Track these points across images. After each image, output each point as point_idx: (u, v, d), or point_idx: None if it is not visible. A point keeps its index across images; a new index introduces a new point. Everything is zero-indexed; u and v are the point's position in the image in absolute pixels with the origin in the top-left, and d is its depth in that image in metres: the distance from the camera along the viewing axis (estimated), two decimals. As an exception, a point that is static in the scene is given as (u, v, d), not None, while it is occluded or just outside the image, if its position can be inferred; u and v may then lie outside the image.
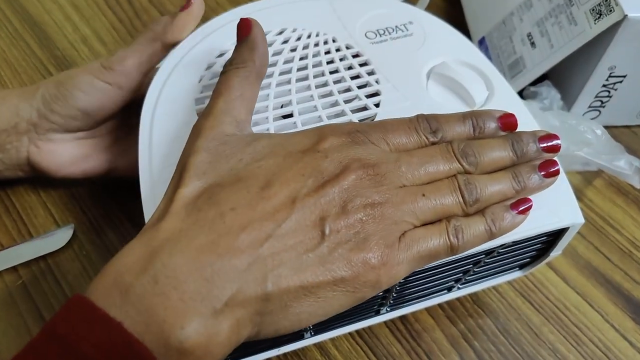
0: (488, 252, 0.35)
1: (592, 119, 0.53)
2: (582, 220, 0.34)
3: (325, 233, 0.28)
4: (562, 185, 0.35)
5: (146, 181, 0.34)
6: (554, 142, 0.33)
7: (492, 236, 0.31)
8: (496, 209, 0.31)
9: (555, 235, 0.36)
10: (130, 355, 0.24)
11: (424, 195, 0.30)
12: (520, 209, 0.32)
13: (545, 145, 0.33)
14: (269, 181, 0.28)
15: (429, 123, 0.33)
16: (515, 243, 0.35)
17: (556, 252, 0.38)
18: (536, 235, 0.34)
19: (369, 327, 0.41)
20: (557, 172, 0.33)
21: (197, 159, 0.30)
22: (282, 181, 0.28)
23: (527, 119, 0.37)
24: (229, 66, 0.34)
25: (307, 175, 0.29)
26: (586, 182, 0.51)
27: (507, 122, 0.34)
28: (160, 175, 0.34)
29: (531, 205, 0.32)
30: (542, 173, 0.33)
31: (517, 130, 0.34)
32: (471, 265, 0.36)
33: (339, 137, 0.31)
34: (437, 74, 0.39)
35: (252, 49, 0.34)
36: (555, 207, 0.34)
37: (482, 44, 0.58)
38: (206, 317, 0.25)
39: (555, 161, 0.33)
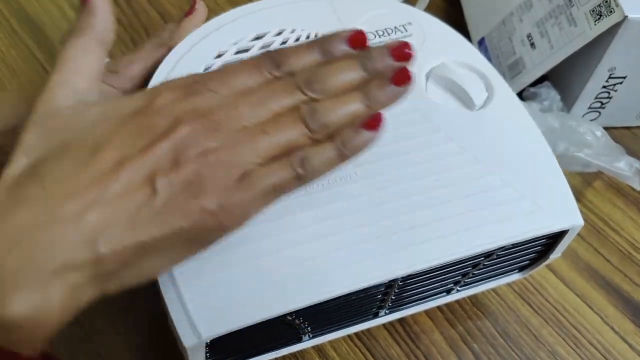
0: (487, 255, 0.34)
1: (592, 120, 0.53)
2: (581, 223, 0.34)
3: (157, 189, 0.27)
4: (561, 188, 0.35)
5: None
6: (405, 50, 0.32)
7: (344, 158, 0.30)
8: (345, 131, 0.30)
9: (554, 238, 0.36)
10: None
11: (264, 132, 0.29)
12: (370, 125, 0.30)
13: (396, 54, 0.32)
14: (97, 147, 0.28)
15: (272, 58, 0.31)
16: (514, 245, 0.34)
17: (555, 255, 0.38)
18: (535, 238, 0.34)
19: (368, 329, 0.41)
20: (408, 79, 0.31)
21: (26, 136, 0.29)
22: (110, 145, 0.28)
23: (527, 122, 0.37)
24: (66, 36, 0.33)
25: (137, 136, 0.28)
26: (586, 183, 0.51)
27: (356, 39, 0.32)
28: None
29: (382, 119, 0.30)
30: (394, 83, 0.31)
31: (369, 46, 0.32)
32: (470, 268, 0.36)
33: (174, 91, 0.30)
34: (437, 75, 0.39)
35: (90, 14, 0.33)
36: (554, 209, 0.34)
37: (481, 44, 0.57)
38: (32, 290, 0.25)
39: (405, 68, 0.31)
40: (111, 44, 0.35)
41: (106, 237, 0.26)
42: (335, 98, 0.31)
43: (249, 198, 0.29)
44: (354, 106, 0.31)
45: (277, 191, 0.29)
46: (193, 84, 0.31)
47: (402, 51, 0.32)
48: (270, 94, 0.30)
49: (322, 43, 0.32)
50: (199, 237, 0.28)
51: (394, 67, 0.32)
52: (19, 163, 0.28)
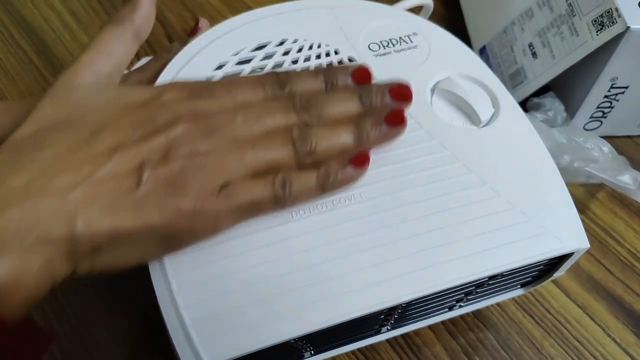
0: (492, 277, 0.34)
1: (594, 129, 0.53)
2: (587, 245, 0.34)
3: (142, 179, 0.28)
4: (567, 209, 0.34)
5: None
6: (404, 92, 0.34)
7: (324, 190, 0.31)
8: (331, 162, 0.31)
9: (559, 258, 0.36)
10: None
11: (254, 147, 0.30)
12: (356, 163, 0.32)
13: (394, 94, 0.33)
14: (99, 128, 0.29)
15: (277, 78, 0.33)
16: (519, 267, 0.34)
17: (559, 273, 0.37)
18: (540, 260, 0.34)
19: (369, 343, 0.41)
20: (402, 122, 0.33)
21: (41, 104, 0.31)
22: (111, 130, 0.29)
23: (533, 138, 0.37)
24: (106, 22, 0.35)
25: (137, 126, 0.29)
26: (589, 194, 0.51)
27: (360, 74, 0.34)
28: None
29: (368, 158, 0.32)
30: (387, 123, 0.32)
31: (371, 82, 0.34)
32: (474, 288, 0.36)
33: (181, 90, 0.31)
34: (442, 89, 0.39)
35: (134, 8, 0.35)
36: (560, 232, 0.33)
37: (483, 52, 0.57)
38: (11, 256, 0.25)
39: (400, 111, 0.33)
40: (144, 40, 0.36)
41: (84, 216, 0.27)
42: (328, 126, 0.32)
43: (225, 209, 0.29)
44: (344, 138, 0.32)
45: (254, 209, 0.30)
46: (200, 88, 0.32)
47: (401, 92, 0.34)
48: (267, 110, 0.31)
49: (327, 72, 0.33)
50: (171, 237, 0.29)
51: (390, 107, 0.33)
52: (26, 129, 0.29)
